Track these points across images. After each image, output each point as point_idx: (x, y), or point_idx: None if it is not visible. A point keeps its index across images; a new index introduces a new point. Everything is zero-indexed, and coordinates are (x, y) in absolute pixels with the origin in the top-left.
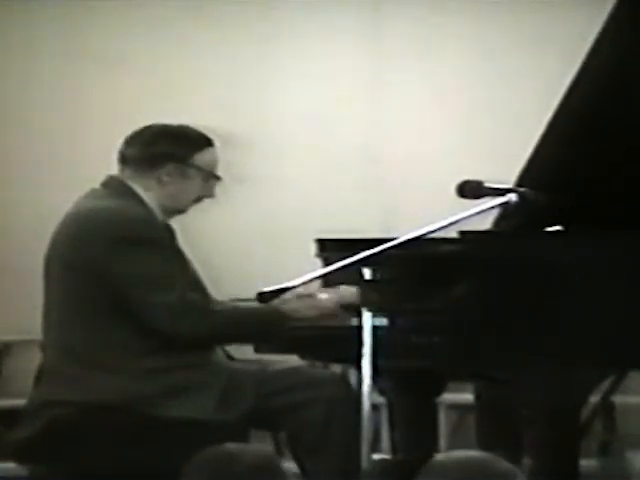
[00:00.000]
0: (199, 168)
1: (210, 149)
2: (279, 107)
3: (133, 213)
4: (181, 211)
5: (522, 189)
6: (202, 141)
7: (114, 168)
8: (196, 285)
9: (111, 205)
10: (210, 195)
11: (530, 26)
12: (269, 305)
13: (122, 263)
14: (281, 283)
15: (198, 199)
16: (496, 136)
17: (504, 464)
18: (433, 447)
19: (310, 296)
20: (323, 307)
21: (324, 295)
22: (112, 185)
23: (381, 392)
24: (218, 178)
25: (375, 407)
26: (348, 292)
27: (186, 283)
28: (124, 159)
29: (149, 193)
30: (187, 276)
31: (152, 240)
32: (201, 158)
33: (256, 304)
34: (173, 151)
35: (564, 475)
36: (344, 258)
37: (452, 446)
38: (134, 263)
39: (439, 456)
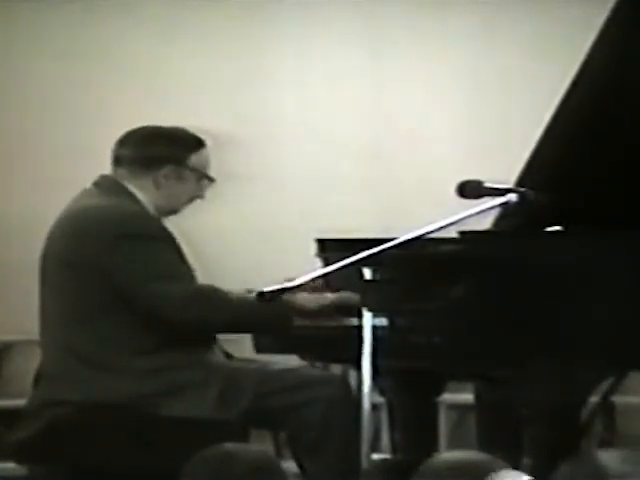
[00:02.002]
0: (194, 169)
1: (203, 150)
2: (279, 107)
3: (130, 210)
4: (174, 212)
5: (522, 189)
6: (196, 142)
7: None
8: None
9: (107, 203)
10: (201, 196)
11: (530, 26)
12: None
13: (124, 259)
14: (281, 283)
15: (190, 200)
16: (496, 136)
17: (501, 465)
18: (433, 447)
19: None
20: (325, 302)
21: (328, 294)
22: (105, 184)
23: (381, 392)
24: (211, 179)
25: (375, 407)
26: (351, 297)
27: (190, 276)
28: (118, 160)
29: (144, 194)
30: (189, 270)
31: (152, 235)
32: (196, 159)
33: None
34: (170, 153)
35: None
36: (344, 258)
37: (452, 446)
38: (136, 258)
39: (436, 457)
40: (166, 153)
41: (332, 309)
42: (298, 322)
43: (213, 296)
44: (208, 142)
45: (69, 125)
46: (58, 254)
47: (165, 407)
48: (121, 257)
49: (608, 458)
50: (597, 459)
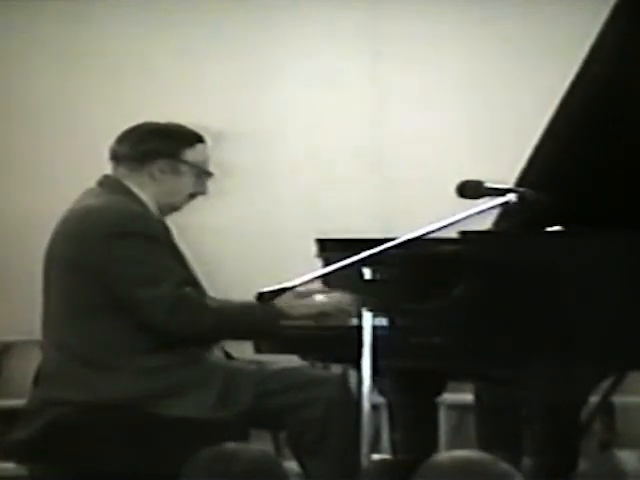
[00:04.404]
0: (190, 164)
1: (201, 145)
2: (279, 107)
3: (128, 208)
4: (176, 208)
5: (522, 189)
6: (192, 137)
7: None
8: (193, 283)
9: (106, 202)
10: (202, 192)
11: (530, 26)
12: (265, 302)
13: (116, 258)
14: (281, 283)
15: (191, 196)
16: (496, 136)
17: (502, 465)
18: (433, 447)
19: (307, 295)
20: (319, 306)
21: (321, 297)
22: (107, 184)
23: (381, 392)
24: (209, 174)
25: (375, 407)
26: (346, 298)
27: (183, 279)
28: (116, 157)
29: (144, 190)
30: (184, 273)
31: (147, 235)
32: (192, 154)
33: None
34: (163, 147)
35: (564, 475)
36: (344, 258)
37: (452, 446)
38: (129, 258)
39: (437, 456)
40: (160, 147)
41: (322, 314)
42: (297, 322)
43: (195, 304)
44: (208, 141)
45: (69, 125)
46: (59, 254)
47: (165, 407)
48: (113, 257)
49: (626, 458)
50: (615, 458)
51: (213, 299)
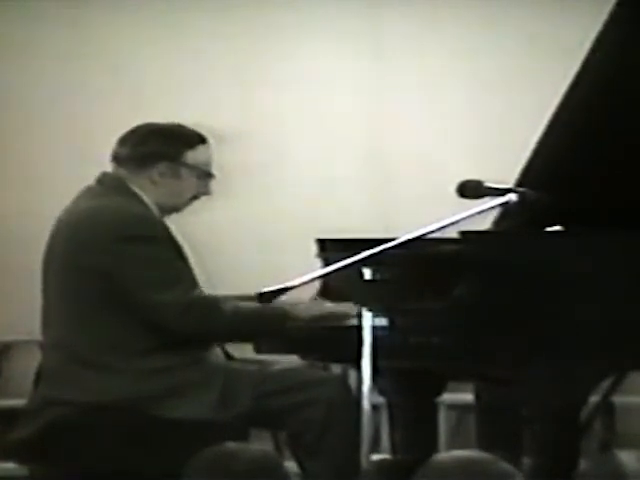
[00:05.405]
0: (191, 166)
1: (203, 147)
2: (279, 107)
3: (134, 211)
4: (177, 209)
5: (522, 189)
6: (194, 139)
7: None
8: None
9: (111, 204)
10: (206, 192)
11: (530, 25)
12: (274, 304)
13: (126, 262)
14: (281, 283)
15: (194, 197)
16: (496, 136)
17: (503, 464)
18: (433, 447)
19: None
20: (326, 309)
21: (327, 304)
22: (108, 183)
23: (381, 392)
24: (211, 176)
25: (375, 407)
26: (350, 309)
27: (190, 279)
28: (117, 159)
29: (145, 192)
30: (190, 273)
31: (155, 238)
32: (193, 156)
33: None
34: (164, 150)
35: (564, 475)
36: (344, 258)
37: (452, 446)
38: (139, 262)
39: (438, 456)
40: (160, 150)
41: (329, 319)
42: (299, 323)
43: (208, 306)
44: (210, 142)
45: (69, 125)
46: (62, 254)
47: (165, 408)
48: (120, 260)
49: (626, 458)
50: (616, 459)
51: (223, 301)
